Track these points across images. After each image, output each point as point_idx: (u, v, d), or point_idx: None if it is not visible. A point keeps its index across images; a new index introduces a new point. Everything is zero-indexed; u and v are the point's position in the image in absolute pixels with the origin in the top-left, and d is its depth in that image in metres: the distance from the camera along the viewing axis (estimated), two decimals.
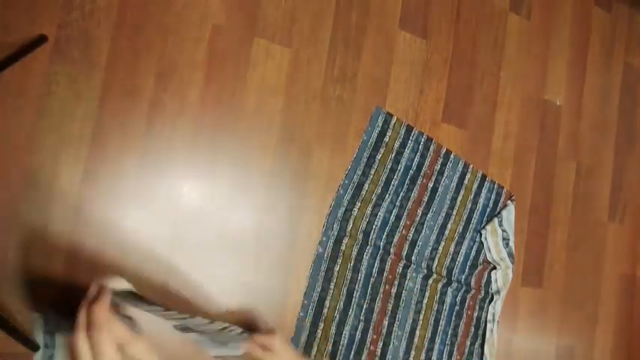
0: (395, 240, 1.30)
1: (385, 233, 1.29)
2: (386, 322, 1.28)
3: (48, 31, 0.96)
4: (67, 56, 0.98)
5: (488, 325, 1.41)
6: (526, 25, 1.57)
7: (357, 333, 1.24)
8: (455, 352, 1.37)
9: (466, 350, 1.39)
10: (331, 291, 1.22)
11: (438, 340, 1.35)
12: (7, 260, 0.93)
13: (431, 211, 1.36)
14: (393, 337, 1.28)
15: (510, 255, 1.45)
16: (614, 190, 1.74)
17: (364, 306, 1.25)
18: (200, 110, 1.11)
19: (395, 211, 1.31)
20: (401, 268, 1.30)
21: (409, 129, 1.34)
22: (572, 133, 1.66)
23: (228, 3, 1.14)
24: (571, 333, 1.62)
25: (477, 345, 1.41)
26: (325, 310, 1.21)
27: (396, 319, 1.29)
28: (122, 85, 1.02)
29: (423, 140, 1.36)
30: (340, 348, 1.22)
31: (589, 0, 1.73)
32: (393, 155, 1.31)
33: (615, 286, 1.73)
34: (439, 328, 1.35)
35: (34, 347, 0.93)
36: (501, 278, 1.44)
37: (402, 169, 1.32)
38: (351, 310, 1.24)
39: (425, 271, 1.34)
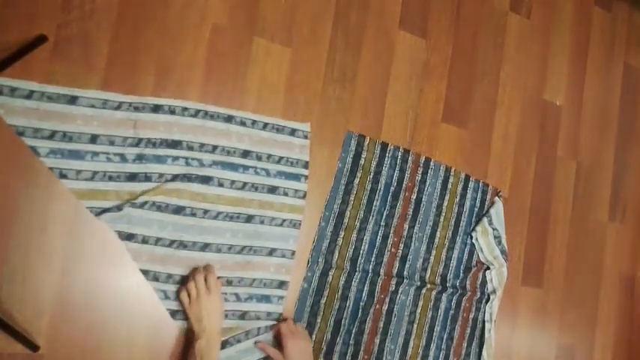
0: (384, 260, 1.28)
1: (374, 255, 1.27)
2: (377, 340, 1.26)
3: (48, 31, 0.96)
4: (66, 56, 0.98)
5: (486, 325, 1.41)
6: (526, 24, 1.57)
7: (348, 357, 1.22)
8: (451, 355, 1.37)
9: (463, 352, 1.39)
10: (318, 324, 1.19)
11: (433, 347, 1.33)
12: (7, 261, 0.93)
13: (417, 222, 1.33)
14: (385, 352, 1.26)
15: (503, 252, 1.43)
16: (614, 190, 1.74)
17: (353, 330, 1.23)
18: None
19: (381, 232, 1.28)
20: (393, 286, 1.28)
21: (384, 146, 1.30)
22: (572, 133, 1.65)
23: (228, 3, 1.14)
24: (571, 333, 1.62)
25: (474, 346, 1.41)
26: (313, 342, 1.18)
27: (388, 334, 1.27)
28: (121, 85, 1.02)
29: (399, 154, 1.32)
30: None
31: (589, 0, 1.72)
32: (371, 176, 1.28)
33: (615, 286, 1.73)
34: (434, 334, 1.34)
35: (34, 347, 0.93)
36: (496, 277, 1.43)
37: (382, 188, 1.29)
38: (339, 337, 1.21)
39: (418, 283, 1.32)
